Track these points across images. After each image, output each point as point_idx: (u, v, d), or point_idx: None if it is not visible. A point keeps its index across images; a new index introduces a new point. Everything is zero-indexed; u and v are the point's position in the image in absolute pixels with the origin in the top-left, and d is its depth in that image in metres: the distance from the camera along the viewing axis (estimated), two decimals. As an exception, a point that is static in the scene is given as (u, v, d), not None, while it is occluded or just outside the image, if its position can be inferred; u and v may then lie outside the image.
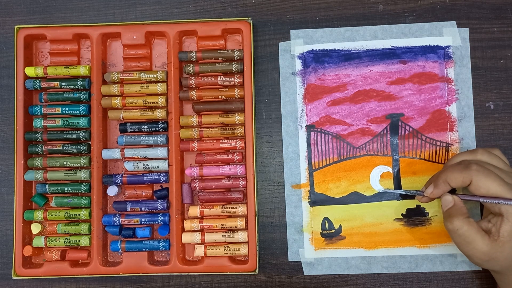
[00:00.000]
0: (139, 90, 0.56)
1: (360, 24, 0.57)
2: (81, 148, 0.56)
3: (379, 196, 0.56)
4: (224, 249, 0.54)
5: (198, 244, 0.55)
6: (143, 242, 0.55)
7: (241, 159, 0.55)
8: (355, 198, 0.56)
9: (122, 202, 0.55)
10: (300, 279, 0.56)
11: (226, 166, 0.55)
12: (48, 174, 0.55)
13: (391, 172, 0.56)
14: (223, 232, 0.55)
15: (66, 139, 0.56)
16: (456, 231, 0.46)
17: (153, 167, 0.55)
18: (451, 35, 0.56)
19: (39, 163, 0.56)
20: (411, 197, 0.55)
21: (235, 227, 0.54)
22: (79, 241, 0.55)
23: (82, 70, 0.56)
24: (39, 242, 0.55)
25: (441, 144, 0.56)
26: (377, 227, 0.55)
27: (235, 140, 0.55)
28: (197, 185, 0.55)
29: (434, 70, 0.56)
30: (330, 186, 0.56)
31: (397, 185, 0.55)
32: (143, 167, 0.55)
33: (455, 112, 0.56)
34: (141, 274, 0.55)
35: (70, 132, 0.56)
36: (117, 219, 0.55)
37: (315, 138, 0.56)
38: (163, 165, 0.55)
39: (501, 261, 0.46)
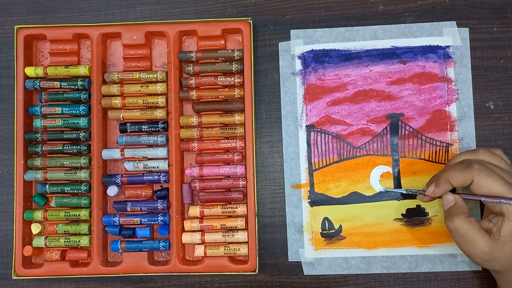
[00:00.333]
0: (139, 90, 0.56)
1: (360, 24, 0.57)
2: (81, 148, 0.56)
3: (379, 196, 0.56)
4: (224, 249, 0.54)
5: (198, 244, 0.55)
6: (143, 242, 0.55)
7: (241, 159, 0.55)
8: (355, 198, 0.56)
9: (122, 202, 0.55)
10: (300, 279, 0.56)
11: (226, 166, 0.55)
12: (48, 174, 0.55)
13: (391, 172, 0.56)
14: (223, 232, 0.55)
15: (66, 139, 0.56)
16: (457, 230, 0.46)
17: (153, 167, 0.55)
18: (451, 35, 0.56)
19: (39, 163, 0.56)
20: (413, 196, 0.55)
21: (235, 227, 0.54)
22: (79, 241, 0.55)
23: (82, 70, 0.56)
24: (39, 242, 0.55)
25: (441, 144, 0.56)
26: (377, 227, 0.55)
27: (235, 140, 0.55)
28: (197, 185, 0.55)
29: (434, 70, 0.56)
30: (330, 186, 0.56)
31: (397, 185, 0.55)
32: (143, 167, 0.55)
33: (455, 112, 0.56)
34: (141, 274, 0.55)
35: (70, 132, 0.56)
36: (117, 219, 0.55)
37: (315, 138, 0.56)
38: (163, 165, 0.55)
39: (501, 261, 0.46)
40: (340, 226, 0.55)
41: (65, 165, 0.56)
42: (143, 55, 0.57)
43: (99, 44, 0.56)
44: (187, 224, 0.55)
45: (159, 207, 0.55)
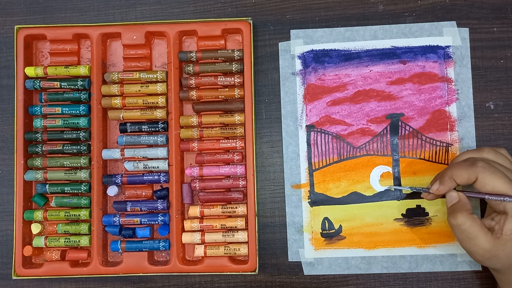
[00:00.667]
0: (139, 90, 0.56)
1: (360, 24, 0.57)
2: (81, 148, 0.56)
3: (379, 196, 0.56)
4: (224, 249, 0.54)
5: (198, 244, 0.55)
6: (143, 242, 0.55)
7: (241, 159, 0.55)
8: (355, 198, 0.56)
9: (122, 202, 0.55)
10: (300, 279, 0.56)
11: (226, 166, 0.55)
12: (48, 174, 0.55)
13: (391, 172, 0.56)
14: (223, 232, 0.55)
15: (66, 139, 0.56)
16: (459, 226, 0.46)
17: (153, 167, 0.55)
18: (451, 35, 0.56)
19: (39, 163, 0.56)
20: (417, 194, 0.55)
21: (235, 227, 0.54)
22: (79, 241, 0.55)
23: (82, 70, 0.56)
24: (39, 242, 0.55)
25: (441, 144, 0.56)
26: (377, 227, 0.55)
27: (235, 140, 0.55)
28: (197, 185, 0.55)
29: (434, 70, 0.56)
30: (330, 186, 0.56)
31: (398, 185, 0.55)
32: (143, 167, 0.55)
33: (455, 112, 0.56)
34: (141, 274, 0.55)
35: (70, 132, 0.56)
36: (117, 219, 0.55)
37: (315, 138, 0.56)
38: (163, 165, 0.55)
39: (502, 259, 0.46)
40: (340, 226, 0.55)
41: (65, 165, 0.56)
42: (143, 55, 0.57)
43: (99, 44, 0.56)
44: (187, 224, 0.55)
45: (159, 207, 0.55)
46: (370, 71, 0.57)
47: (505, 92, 0.56)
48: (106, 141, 0.57)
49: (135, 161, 0.56)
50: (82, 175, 0.55)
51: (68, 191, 0.56)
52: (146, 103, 0.56)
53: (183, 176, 0.56)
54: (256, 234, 0.54)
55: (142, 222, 0.55)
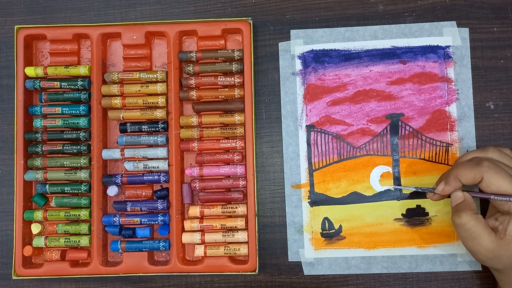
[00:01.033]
0: (139, 90, 0.56)
1: (360, 24, 0.57)
2: (81, 148, 0.56)
3: (379, 196, 0.56)
4: (224, 249, 0.54)
5: (198, 244, 0.55)
6: (143, 242, 0.55)
7: (241, 159, 0.55)
8: (355, 198, 0.56)
9: (122, 202, 0.55)
10: (300, 279, 0.56)
11: (226, 166, 0.55)
12: (48, 174, 0.55)
13: (391, 172, 0.56)
14: (223, 232, 0.55)
15: (66, 139, 0.56)
16: (463, 225, 0.46)
17: (153, 167, 0.55)
18: (451, 35, 0.56)
19: (39, 163, 0.56)
20: (417, 194, 0.55)
21: (235, 227, 0.54)
22: (79, 241, 0.55)
23: (82, 70, 0.56)
24: (39, 242, 0.55)
25: (441, 144, 0.56)
26: (377, 227, 0.55)
27: (235, 140, 0.55)
28: (197, 185, 0.55)
29: (434, 70, 0.56)
30: (330, 186, 0.56)
31: (398, 185, 0.55)
32: (143, 167, 0.55)
33: (455, 112, 0.56)
34: (141, 274, 0.55)
35: (70, 132, 0.56)
36: (117, 219, 0.55)
37: (315, 138, 0.56)
38: (163, 165, 0.55)
39: (504, 260, 0.46)
40: (340, 226, 0.55)
41: (65, 165, 0.56)
42: (143, 55, 0.57)
43: (99, 44, 0.56)
44: (187, 224, 0.55)
45: (159, 207, 0.55)
46: (370, 71, 0.57)
47: (505, 92, 0.56)
48: (106, 141, 0.57)
49: (135, 161, 0.56)
50: (82, 175, 0.55)
51: (68, 191, 0.56)
52: (146, 103, 0.56)
53: (183, 176, 0.56)
54: (256, 234, 0.54)
55: (142, 222, 0.55)
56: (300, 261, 0.55)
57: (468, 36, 0.56)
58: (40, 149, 0.56)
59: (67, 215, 0.55)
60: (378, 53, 0.57)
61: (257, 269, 0.53)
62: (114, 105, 0.56)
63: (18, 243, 0.55)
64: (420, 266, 0.54)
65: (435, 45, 0.56)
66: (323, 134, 0.56)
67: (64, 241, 0.55)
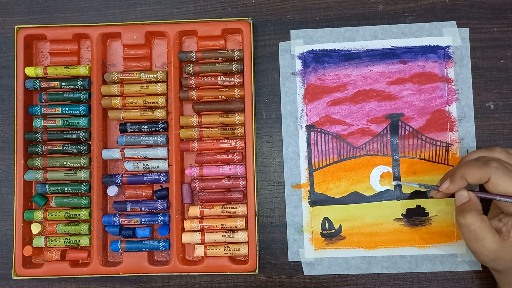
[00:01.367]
0: (139, 90, 0.56)
1: (360, 24, 0.57)
2: (81, 148, 0.56)
3: (379, 196, 0.56)
4: (224, 249, 0.54)
5: (198, 244, 0.55)
6: (143, 242, 0.55)
7: (241, 159, 0.55)
8: (355, 198, 0.56)
9: (122, 202, 0.55)
10: (300, 279, 0.56)
11: (226, 166, 0.55)
12: (48, 174, 0.55)
13: (391, 172, 0.56)
14: (223, 232, 0.55)
15: (66, 139, 0.56)
16: (468, 226, 0.46)
17: (153, 167, 0.55)
18: (451, 35, 0.56)
19: (39, 163, 0.56)
20: (417, 194, 0.55)
21: (235, 227, 0.54)
22: (79, 241, 0.55)
23: (82, 70, 0.56)
24: (39, 242, 0.55)
25: (441, 144, 0.56)
26: (377, 227, 0.55)
27: (235, 140, 0.55)
28: (197, 185, 0.55)
29: (434, 70, 0.56)
30: (330, 186, 0.56)
31: (399, 184, 0.55)
32: (143, 167, 0.55)
33: (455, 112, 0.56)
34: (141, 274, 0.55)
35: (70, 132, 0.56)
36: (117, 219, 0.55)
37: (315, 138, 0.56)
38: (163, 165, 0.55)
39: (506, 261, 0.46)
40: (340, 226, 0.55)
41: (65, 165, 0.56)
42: (143, 55, 0.57)
43: (99, 44, 0.56)
44: (187, 224, 0.55)
45: (159, 207, 0.55)
46: (370, 71, 0.57)
47: (505, 92, 0.56)
48: (106, 141, 0.57)
49: (135, 161, 0.56)
50: (82, 175, 0.55)
51: (68, 191, 0.56)
52: (146, 103, 0.56)
53: (183, 176, 0.56)
54: (256, 234, 0.54)
55: (142, 222, 0.55)
56: (300, 261, 0.55)
57: (468, 36, 0.56)
58: (40, 149, 0.56)
59: (67, 215, 0.55)
60: (378, 53, 0.57)
61: (257, 269, 0.53)
62: (114, 105, 0.56)
63: (18, 243, 0.55)
64: (420, 266, 0.54)
65: (435, 45, 0.56)
66: (323, 134, 0.56)
67: (64, 241, 0.55)
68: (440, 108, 0.56)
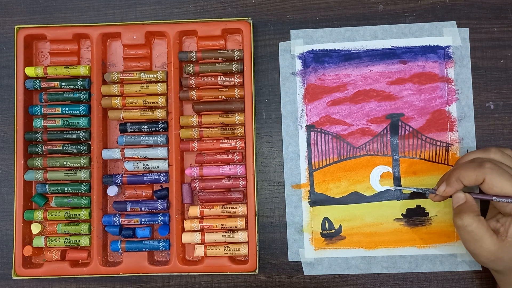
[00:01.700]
0: (139, 90, 0.56)
1: (360, 24, 0.57)
2: (81, 148, 0.56)
3: (379, 196, 0.56)
4: (224, 249, 0.54)
5: (198, 244, 0.55)
6: (143, 242, 0.55)
7: (241, 159, 0.55)
8: (355, 198, 0.56)
9: (122, 202, 0.55)
10: (300, 279, 0.56)
11: (226, 166, 0.55)
12: (48, 174, 0.55)
13: (391, 172, 0.56)
14: (223, 232, 0.55)
15: (66, 139, 0.56)
16: (465, 227, 0.46)
17: (153, 167, 0.55)
18: (451, 35, 0.56)
19: (39, 163, 0.56)
20: (417, 194, 0.55)
21: (235, 227, 0.54)
22: (79, 241, 0.55)
23: (82, 70, 0.56)
24: (39, 242, 0.55)
25: (441, 144, 0.56)
26: (377, 227, 0.55)
27: (235, 140, 0.55)
28: (197, 185, 0.55)
29: (434, 70, 0.56)
30: (330, 186, 0.56)
31: (399, 185, 0.55)
32: (143, 167, 0.55)
33: (455, 112, 0.56)
34: (141, 274, 0.55)
35: (70, 132, 0.56)
36: (117, 219, 0.55)
37: (315, 138, 0.56)
38: (163, 165, 0.55)
39: (505, 262, 0.46)
40: (340, 226, 0.55)
41: (65, 165, 0.56)
42: (143, 55, 0.57)
43: (99, 44, 0.56)
44: (187, 224, 0.55)
45: (159, 207, 0.55)
46: (370, 71, 0.57)
47: (505, 92, 0.56)
48: (106, 141, 0.57)
49: (135, 161, 0.56)
50: (82, 175, 0.55)
51: (68, 191, 0.56)
52: (146, 103, 0.56)
53: (183, 176, 0.56)
54: (256, 234, 0.54)
55: (142, 222, 0.55)
56: (300, 261, 0.55)
57: (468, 36, 0.56)
58: (40, 149, 0.56)
59: (67, 215, 0.55)
60: (378, 53, 0.57)
61: (257, 269, 0.53)
62: (114, 105, 0.56)
63: (18, 243, 0.55)
64: (420, 266, 0.54)
65: (435, 45, 0.56)
66: (323, 134, 0.56)
67: (64, 241, 0.55)
68: (440, 108, 0.56)
